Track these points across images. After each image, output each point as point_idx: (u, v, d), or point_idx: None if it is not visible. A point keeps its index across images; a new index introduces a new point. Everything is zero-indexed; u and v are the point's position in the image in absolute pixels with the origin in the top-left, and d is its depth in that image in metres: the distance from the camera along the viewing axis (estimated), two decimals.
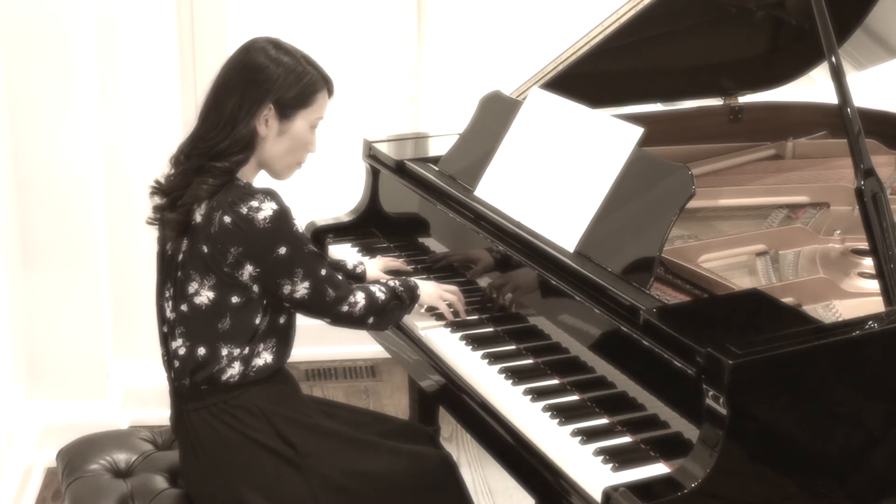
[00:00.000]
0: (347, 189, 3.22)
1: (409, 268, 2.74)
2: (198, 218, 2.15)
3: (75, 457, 2.46)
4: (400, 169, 2.91)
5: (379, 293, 2.32)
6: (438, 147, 2.97)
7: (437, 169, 2.82)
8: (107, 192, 3.53)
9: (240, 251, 2.12)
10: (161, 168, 3.58)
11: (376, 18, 3.91)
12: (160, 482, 2.37)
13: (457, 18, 3.96)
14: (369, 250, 2.93)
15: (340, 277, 2.26)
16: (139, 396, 3.66)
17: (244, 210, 2.11)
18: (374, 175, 3.05)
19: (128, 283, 3.64)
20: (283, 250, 2.13)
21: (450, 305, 2.48)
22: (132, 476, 2.41)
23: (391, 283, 2.39)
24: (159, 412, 3.31)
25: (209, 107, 2.21)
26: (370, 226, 3.05)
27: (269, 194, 2.14)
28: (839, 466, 1.96)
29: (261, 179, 2.29)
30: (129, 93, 3.51)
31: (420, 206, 2.84)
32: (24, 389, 3.48)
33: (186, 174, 2.19)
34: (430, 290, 2.46)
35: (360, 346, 3.46)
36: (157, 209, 2.26)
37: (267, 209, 2.11)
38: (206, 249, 2.14)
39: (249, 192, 2.15)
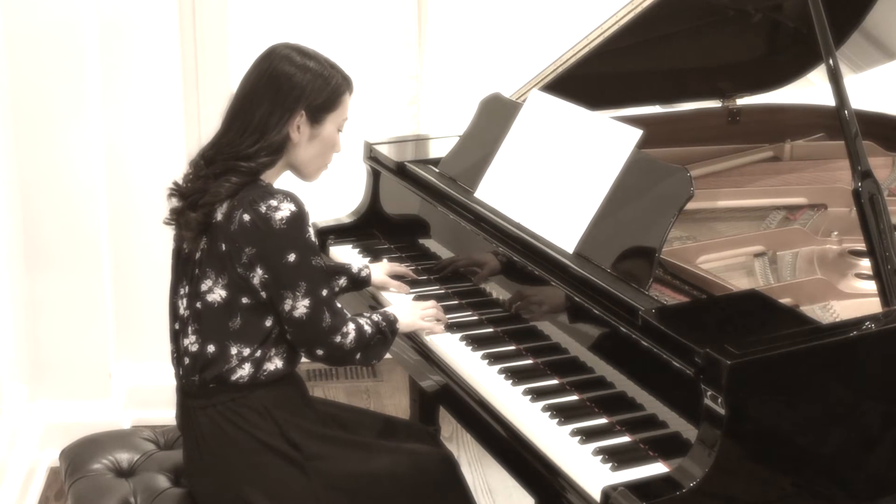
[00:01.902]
0: (348, 191, 3.23)
1: (412, 270, 2.75)
2: (219, 216, 2.17)
3: (78, 456, 2.47)
4: (400, 171, 2.92)
5: (367, 326, 2.28)
6: (439, 149, 2.97)
7: (437, 171, 2.83)
8: (109, 194, 3.54)
9: (253, 252, 2.13)
10: (162, 171, 3.61)
11: (377, 21, 3.92)
12: (162, 481, 2.38)
13: (457, 21, 3.97)
14: (370, 251, 2.94)
15: (339, 305, 2.25)
16: (141, 396, 3.68)
17: (263, 208, 2.12)
18: (375, 177, 3.06)
19: (130, 284, 3.66)
20: (292, 257, 2.13)
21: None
22: (135, 475, 2.41)
23: (374, 317, 2.34)
24: (161, 412, 3.33)
25: (234, 114, 2.22)
26: (371, 227, 3.06)
27: (290, 196, 2.15)
28: (837, 465, 1.97)
29: (286, 182, 2.30)
30: (131, 96, 3.52)
31: (420, 208, 2.85)
32: (28, 389, 3.49)
33: (207, 179, 2.19)
34: (408, 319, 2.43)
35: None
36: (173, 211, 2.27)
37: (285, 210, 2.12)
38: (223, 247, 2.16)
39: (270, 192, 2.16)
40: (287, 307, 2.16)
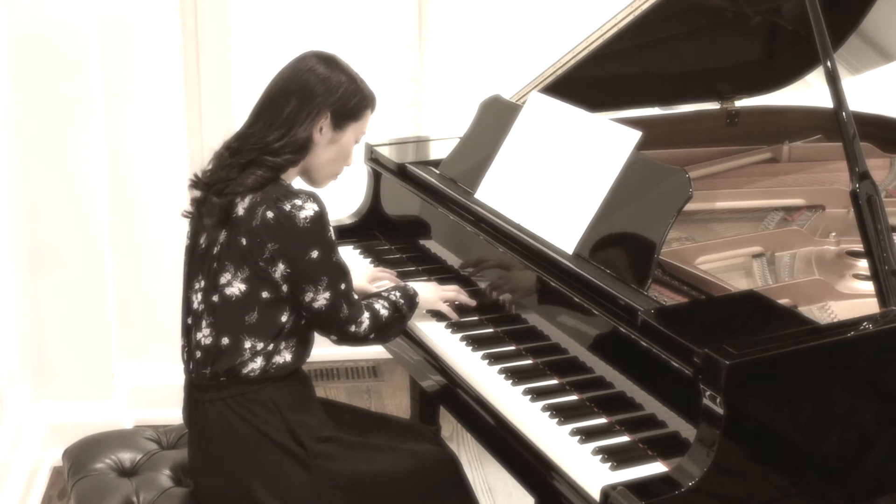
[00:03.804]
0: (349, 192, 3.25)
1: (413, 272, 2.76)
2: (240, 211, 2.20)
3: (81, 456, 2.48)
4: (401, 172, 2.93)
5: (382, 310, 2.36)
6: (439, 150, 2.99)
7: (437, 172, 2.84)
8: (112, 195, 3.55)
9: (276, 248, 2.17)
10: (165, 172, 3.63)
11: (377, 24, 3.93)
12: (165, 481, 2.39)
13: (457, 23, 3.97)
14: (371, 252, 2.96)
15: (356, 296, 2.30)
16: (144, 396, 3.69)
17: (287, 207, 2.16)
18: (376, 178, 3.08)
19: (133, 284, 3.67)
20: (315, 254, 2.18)
21: (452, 303, 2.52)
22: (137, 475, 2.42)
23: (392, 295, 2.41)
24: (164, 412, 3.34)
25: (262, 109, 2.27)
26: (372, 228, 3.07)
27: (313, 196, 2.20)
28: (834, 465, 1.98)
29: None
30: (134, 97, 3.53)
31: (421, 209, 2.86)
32: (31, 389, 3.51)
33: (230, 168, 2.23)
34: (429, 296, 2.49)
35: (362, 346, 3.53)
36: (194, 202, 2.29)
37: (309, 209, 2.17)
38: (244, 242, 2.18)
39: (293, 192, 2.20)
40: (308, 299, 2.22)
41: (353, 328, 2.29)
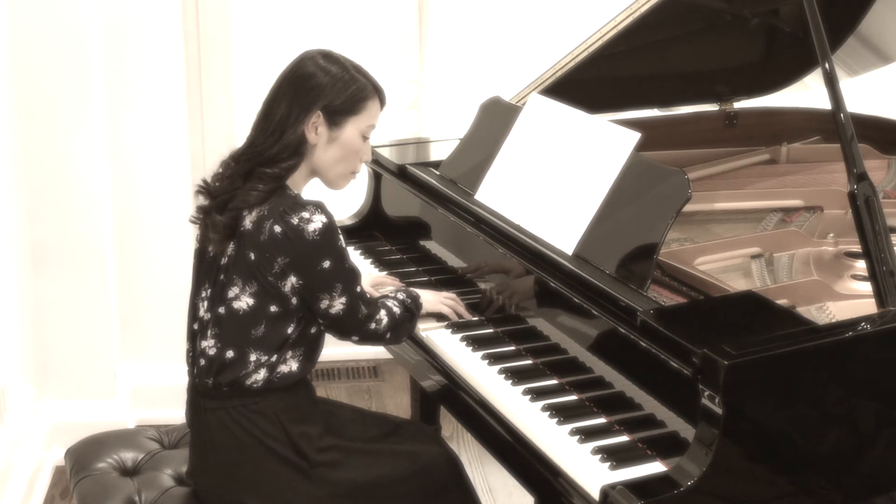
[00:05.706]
0: (350, 193, 3.25)
1: (414, 273, 2.77)
2: (247, 224, 2.17)
3: (83, 455, 2.48)
4: (402, 173, 2.93)
5: (395, 307, 2.36)
6: (439, 152, 3.00)
7: (438, 173, 2.84)
8: (114, 196, 3.56)
9: (286, 262, 2.14)
10: (166, 172, 3.65)
11: (378, 25, 3.93)
12: (167, 480, 2.40)
13: (457, 25, 3.98)
14: (372, 253, 2.97)
15: (369, 294, 2.30)
16: (146, 396, 3.70)
17: (295, 220, 2.13)
18: (377, 179, 3.09)
19: (134, 285, 3.68)
20: (327, 264, 2.15)
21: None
22: (139, 474, 2.43)
23: (399, 295, 2.42)
24: (166, 412, 3.36)
25: (260, 116, 2.24)
26: (373, 229, 3.08)
27: (319, 207, 2.16)
28: (833, 464, 1.99)
29: (313, 190, 2.31)
30: (135, 99, 3.54)
31: (421, 210, 2.87)
32: (34, 389, 3.51)
33: (234, 178, 2.20)
34: (431, 298, 2.51)
35: (363, 346, 3.53)
36: (200, 209, 2.27)
37: (317, 221, 2.13)
38: (253, 257, 2.16)
39: (301, 204, 2.17)
40: (323, 306, 2.20)
41: (373, 325, 2.29)
